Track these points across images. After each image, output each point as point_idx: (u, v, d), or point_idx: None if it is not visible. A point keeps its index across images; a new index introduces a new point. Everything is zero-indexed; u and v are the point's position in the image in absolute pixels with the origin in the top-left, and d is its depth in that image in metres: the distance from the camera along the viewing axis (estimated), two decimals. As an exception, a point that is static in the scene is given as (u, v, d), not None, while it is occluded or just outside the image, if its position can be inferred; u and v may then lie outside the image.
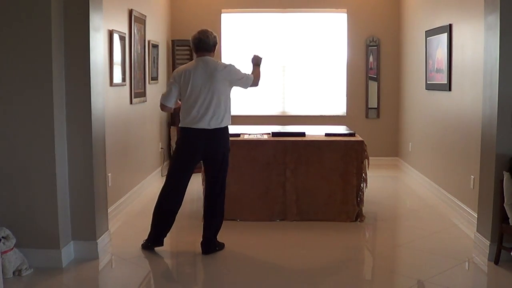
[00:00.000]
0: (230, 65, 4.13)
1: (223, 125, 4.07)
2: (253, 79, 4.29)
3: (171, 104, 4.17)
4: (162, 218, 4.19)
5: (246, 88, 4.30)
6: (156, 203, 4.21)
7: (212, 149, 4.09)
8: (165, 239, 4.92)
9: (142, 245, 4.30)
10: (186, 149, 4.10)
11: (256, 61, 4.45)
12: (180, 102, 4.18)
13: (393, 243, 4.67)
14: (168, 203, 4.16)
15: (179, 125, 4.14)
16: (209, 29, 4.16)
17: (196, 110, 4.00)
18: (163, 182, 4.21)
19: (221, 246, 4.25)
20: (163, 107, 4.22)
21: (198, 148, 4.07)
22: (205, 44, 4.08)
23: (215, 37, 4.13)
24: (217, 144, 4.09)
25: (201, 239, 4.19)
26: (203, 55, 4.11)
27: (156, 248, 4.43)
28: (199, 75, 4.02)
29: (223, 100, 4.06)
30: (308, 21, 8.12)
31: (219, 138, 4.09)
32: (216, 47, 4.17)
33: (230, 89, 4.17)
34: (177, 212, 4.21)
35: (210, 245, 4.17)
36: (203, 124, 4.00)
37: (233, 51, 8.12)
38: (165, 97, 4.16)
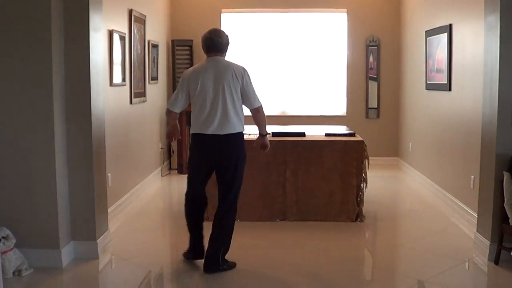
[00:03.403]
0: (246, 71, 3.78)
1: (235, 131, 3.73)
2: (261, 113, 3.87)
3: (177, 109, 3.85)
4: (189, 226, 3.96)
5: (250, 108, 3.81)
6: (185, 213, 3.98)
7: (224, 157, 3.76)
8: (164, 238, 4.92)
9: (183, 254, 4.04)
10: (198, 156, 3.83)
11: (266, 142, 4.04)
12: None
13: (393, 243, 4.67)
14: (189, 211, 3.93)
15: (190, 131, 3.85)
16: (221, 29, 3.90)
17: (205, 114, 3.71)
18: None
19: (229, 265, 3.85)
20: (168, 112, 3.91)
21: (209, 155, 3.78)
22: (218, 44, 3.76)
23: (227, 37, 3.80)
24: (229, 151, 3.75)
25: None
26: (215, 55, 3.78)
27: (156, 249, 4.43)
28: (209, 76, 3.71)
29: (235, 102, 3.72)
30: (308, 21, 8.12)
31: (232, 145, 3.75)
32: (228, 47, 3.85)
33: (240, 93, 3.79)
34: (200, 221, 3.94)
35: (213, 261, 3.78)
36: (213, 130, 3.70)
37: (233, 51, 8.10)
38: (170, 102, 3.87)
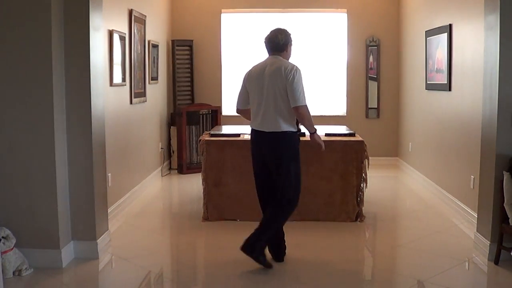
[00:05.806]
0: (296, 71, 3.76)
1: (280, 130, 3.75)
2: (300, 113, 3.72)
3: (241, 106, 4.01)
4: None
5: (292, 106, 3.73)
6: None
7: (267, 153, 3.84)
8: (164, 238, 4.92)
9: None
10: (252, 151, 3.97)
11: (316, 141, 3.99)
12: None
13: (393, 243, 4.67)
14: (262, 210, 3.99)
15: None
16: (282, 28, 3.95)
17: (254, 110, 3.86)
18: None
19: (264, 261, 3.80)
20: (237, 110, 4.07)
21: (256, 149, 3.92)
22: (273, 43, 3.88)
23: (287, 35, 3.90)
24: (272, 148, 3.80)
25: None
26: (273, 54, 3.89)
27: (156, 249, 4.44)
28: (261, 74, 3.81)
29: (282, 101, 3.74)
30: (308, 21, 8.12)
31: (276, 143, 3.78)
32: (290, 46, 3.96)
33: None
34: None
35: (250, 242, 3.75)
36: (260, 126, 3.81)
37: (233, 51, 8.12)
38: (237, 99, 4.03)
